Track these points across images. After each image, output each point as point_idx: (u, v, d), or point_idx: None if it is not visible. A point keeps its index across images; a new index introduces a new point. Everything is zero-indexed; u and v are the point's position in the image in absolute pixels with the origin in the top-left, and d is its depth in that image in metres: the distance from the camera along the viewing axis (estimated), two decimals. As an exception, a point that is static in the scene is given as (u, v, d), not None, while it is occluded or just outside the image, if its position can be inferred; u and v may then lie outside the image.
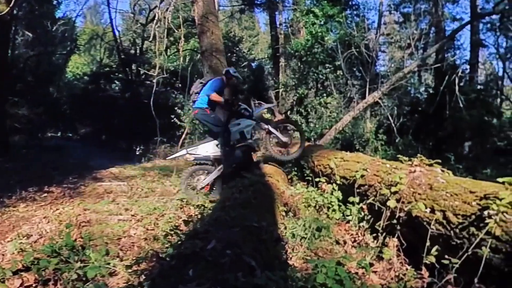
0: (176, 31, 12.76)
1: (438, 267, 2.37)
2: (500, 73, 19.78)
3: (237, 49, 16.24)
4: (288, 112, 13.88)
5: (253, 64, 19.95)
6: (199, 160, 6.00)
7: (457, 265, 2.21)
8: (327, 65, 12.48)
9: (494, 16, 16.93)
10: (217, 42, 7.62)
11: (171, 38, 17.19)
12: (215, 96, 5.76)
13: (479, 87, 16.05)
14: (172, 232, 3.41)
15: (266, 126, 6.04)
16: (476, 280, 2.08)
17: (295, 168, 6.15)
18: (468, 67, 16.73)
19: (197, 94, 6.02)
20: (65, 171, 8.29)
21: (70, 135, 21.61)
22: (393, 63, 18.26)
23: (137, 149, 12.18)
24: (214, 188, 5.89)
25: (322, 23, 12.73)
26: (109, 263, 2.87)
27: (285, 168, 6.40)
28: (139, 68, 17.82)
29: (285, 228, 3.63)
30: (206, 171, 5.98)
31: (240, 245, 2.14)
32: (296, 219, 3.91)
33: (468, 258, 2.20)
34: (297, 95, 13.20)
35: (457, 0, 19.46)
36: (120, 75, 19.59)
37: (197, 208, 4.46)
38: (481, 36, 18.34)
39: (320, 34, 12.38)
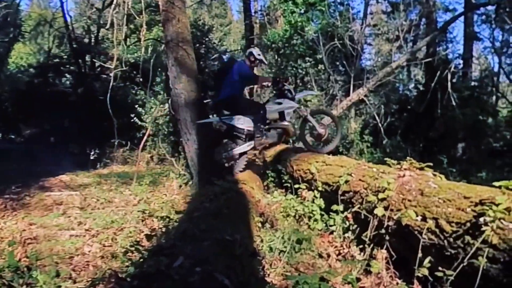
0: (137, 17, 12.64)
1: (431, 280, 2.43)
2: (496, 69, 20.44)
3: (207, 39, 16.09)
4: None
5: (224, 57, 19.84)
6: (230, 130, 6.32)
7: (452, 277, 2.27)
8: (307, 58, 12.54)
9: (489, 7, 17.34)
10: (184, 31, 7.55)
11: (132, 26, 17.03)
12: (263, 78, 6.36)
13: (473, 83, 16.45)
14: (133, 249, 3.36)
15: (305, 113, 6.24)
16: None
17: (272, 174, 6.18)
18: (461, 62, 17.17)
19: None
20: (6, 179, 8.04)
21: (13, 137, 20.97)
22: (380, 57, 18.66)
23: (92, 153, 11.97)
24: (236, 163, 6.32)
25: (302, 11, 12.85)
26: (60, 286, 2.80)
27: (261, 174, 6.43)
28: (94, 60, 17.45)
29: (262, 241, 3.62)
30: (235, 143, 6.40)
31: (211, 261, 2.13)
32: (274, 230, 3.91)
33: (464, 269, 2.26)
34: (274, 91, 13.21)
35: (451, -11, 19.96)
36: (71, 67, 19.16)
37: (161, 220, 4.42)
38: (476, 28, 18.88)
39: (300, 24, 12.47)
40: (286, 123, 6.23)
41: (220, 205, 3.63)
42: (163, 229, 4.03)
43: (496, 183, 2.43)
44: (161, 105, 11.68)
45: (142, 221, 4.69)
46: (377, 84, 10.99)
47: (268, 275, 3.03)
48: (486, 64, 21.50)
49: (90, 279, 2.92)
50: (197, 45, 14.29)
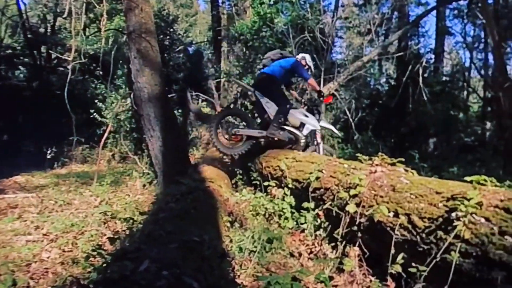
0: (97, 6, 12.36)
1: (405, 276, 2.49)
2: (467, 64, 21.03)
3: (171, 30, 15.93)
4: (231, 106, 13.89)
5: (190, 49, 19.74)
6: (255, 107, 7.01)
7: (425, 273, 2.33)
8: (276, 51, 12.57)
9: (461, 2, 17.98)
10: (148, 21, 7.45)
11: (91, 15, 16.65)
12: (313, 82, 6.55)
13: (444, 78, 16.93)
14: (95, 253, 3.29)
15: (319, 140, 6.50)
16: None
17: (240, 171, 6.19)
18: (433, 56, 17.64)
19: (271, 61, 6.88)
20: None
21: (-40, 135, 20.24)
22: (351, 50, 18.88)
23: (48, 152, 11.64)
24: (240, 144, 6.47)
25: (271, 3, 12.83)
26: (17, 295, 2.74)
27: (229, 171, 6.44)
28: (50, 51, 17.03)
29: (231, 241, 3.63)
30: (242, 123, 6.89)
31: (178, 265, 2.12)
32: (243, 230, 3.92)
33: (437, 264, 2.32)
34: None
35: (423, -17, 20.40)
36: (26, 59, 18.54)
37: (124, 222, 4.36)
38: (448, 23, 19.40)
39: (269, 15, 12.44)
40: (301, 134, 6.35)
41: (186, 205, 3.62)
42: (127, 232, 3.97)
43: (468, 178, 2.52)
44: (123, 100, 11.49)
45: (104, 223, 4.62)
46: (348, 78, 11.16)
47: (239, 276, 3.03)
48: (457, 59, 22.11)
49: (49, 287, 2.86)
50: (161, 36, 14.15)
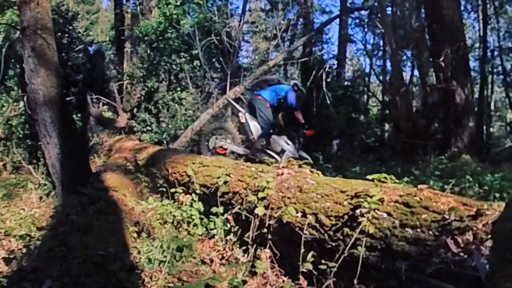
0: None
1: (316, 273, 2.60)
2: (367, 70, 22.39)
3: (71, 28, 15.21)
4: (135, 110, 13.57)
5: (91, 49, 18.97)
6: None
7: (334, 269, 2.46)
8: (182, 54, 12.52)
9: (363, 12, 19.42)
10: (44, 16, 7.03)
11: (-22, 8, 15.30)
12: (299, 114, 7.47)
13: (346, 83, 17.87)
14: (-12, 278, 3.05)
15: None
16: (355, 281, 2.34)
17: (146, 179, 6.07)
18: (335, 62, 18.52)
19: (268, 85, 7.76)
20: None
21: None
22: (257, 55, 19.32)
23: None
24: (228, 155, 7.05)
25: (178, 3, 12.72)
26: None
27: (133, 179, 6.29)
28: None
29: (139, 252, 3.53)
30: (229, 136, 7.48)
31: (83, 282, 2.04)
32: (151, 240, 3.84)
33: (345, 260, 2.45)
34: (146, 88, 12.94)
35: (328, -8, 21.41)
36: None
37: (20, 240, 4.07)
38: (350, 31, 20.58)
39: (175, 16, 12.36)
40: (280, 160, 6.63)
41: (89, 217, 3.50)
42: (24, 250, 3.73)
43: (369, 177, 2.72)
44: (15, 103, 10.74)
45: (-4, 242, 4.28)
46: (254, 82, 11.37)
47: (149, 289, 2.97)
48: (358, 65, 23.43)
49: None
50: (59, 34, 13.50)
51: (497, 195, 5.06)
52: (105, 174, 6.12)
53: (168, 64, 12.61)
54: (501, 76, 16.81)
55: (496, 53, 16.44)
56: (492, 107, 17.19)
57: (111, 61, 19.01)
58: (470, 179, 5.76)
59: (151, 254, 3.46)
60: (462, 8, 14.92)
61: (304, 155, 7.25)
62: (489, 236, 1.94)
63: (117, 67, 17.25)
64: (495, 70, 16.84)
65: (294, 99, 7.41)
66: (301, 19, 19.46)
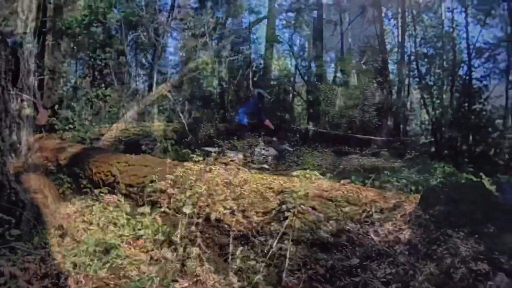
0: None
1: (246, 268, 2.68)
2: (293, 70, 22.97)
3: (-15, 17, 14.29)
4: (56, 107, 12.97)
5: (9, 40, 17.86)
6: None
7: (264, 263, 2.55)
8: (107, 49, 12.20)
9: (290, 14, 19.89)
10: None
11: None
12: (269, 123, 8.11)
13: (272, 82, 18.27)
14: None
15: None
16: (284, 274, 2.44)
17: (68, 179, 5.86)
18: (262, 62, 18.84)
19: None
20: None
21: None
22: (185, 52, 19.15)
23: None
24: None
25: (105, -4, 12.37)
26: None
27: (55, 180, 6.06)
28: None
29: (64, 257, 3.42)
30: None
31: None
32: (77, 243, 3.74)
33: (274, 254, 2.56)
34: (69, 84, 12.48)
35: (256, -8, 21.65)
36: None
37: None
38: (277, 32, 21.00)
39: (101, 9, 11.97)
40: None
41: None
42: None
43: (294, 173, 2.84)
44: None
45: None
46: (181, 79, 11.30)
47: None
48: (284, 65, 23.90)
49: None
50: (-27, 24, 12.58)
51: (413, 187, 5.44)
52: (25, 176, 5.85)
53: (92, 59, 12.21)
54: (417, 79, 17.91)
55: (412, 57, 17.45)
56: (409, 107, 18.22)
57: (31, 54, 17.99)
58: (389, 173, 6.19)
59: (77, 259, 3.37)
60: (383, 15, 15.77)
61: (273, 151, 8.00)
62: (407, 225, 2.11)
63: (37, 61, 16.37)
64: (411, 73, 17.86)
65: (260, 109, 8.20)
66: (230, 18, 19.55)
